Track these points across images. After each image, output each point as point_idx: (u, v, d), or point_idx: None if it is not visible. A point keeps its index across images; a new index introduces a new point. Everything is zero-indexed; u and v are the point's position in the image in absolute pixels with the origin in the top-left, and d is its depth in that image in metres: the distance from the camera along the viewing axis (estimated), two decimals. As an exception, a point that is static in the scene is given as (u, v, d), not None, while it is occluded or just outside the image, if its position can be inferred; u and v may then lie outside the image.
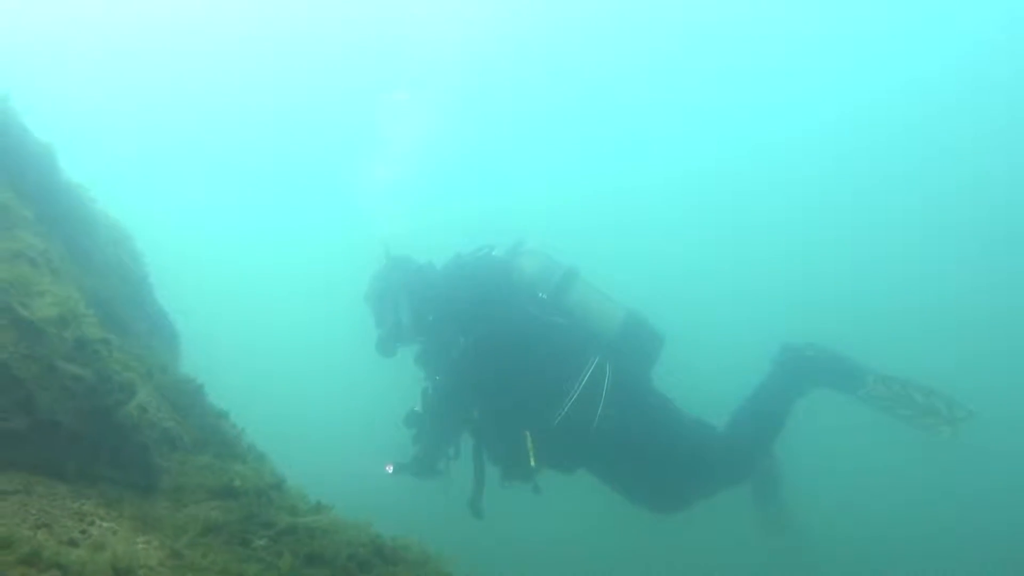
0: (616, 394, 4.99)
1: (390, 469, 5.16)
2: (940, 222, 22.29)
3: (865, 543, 11.29)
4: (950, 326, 19.50)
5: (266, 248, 26.80)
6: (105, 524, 2.09)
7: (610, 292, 5.48)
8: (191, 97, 25.96)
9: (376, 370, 5.79)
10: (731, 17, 23.26)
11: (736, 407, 5.44)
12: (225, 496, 2.49)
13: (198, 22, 24.30)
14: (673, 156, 26.23)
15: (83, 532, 2.01)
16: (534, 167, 26.21)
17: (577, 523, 10.74)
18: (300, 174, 26.21)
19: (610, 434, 4.95)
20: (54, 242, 3.29)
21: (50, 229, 3.46)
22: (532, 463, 4.83)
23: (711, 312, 19.71)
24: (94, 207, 4.10)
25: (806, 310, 18.03)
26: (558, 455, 5.05)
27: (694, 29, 23.85)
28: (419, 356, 5.42)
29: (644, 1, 23.56)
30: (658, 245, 23.15)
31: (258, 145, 26.65)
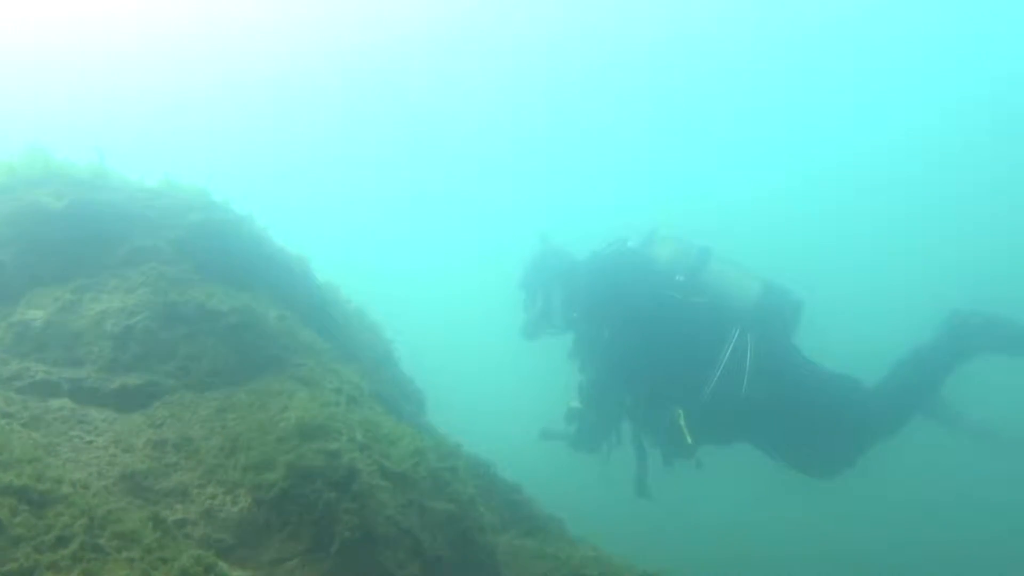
0: (760, 362, 5.11)
1: (574, 404, 5.48)
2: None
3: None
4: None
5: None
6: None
7: (746, 266, 5.57)
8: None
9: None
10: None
11: (895, 362, 5.47)
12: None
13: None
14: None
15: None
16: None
17: (745, 496, 10.95)
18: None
19: (760, 403, 5.06)
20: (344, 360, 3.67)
21: (328, 339, 3.86)
22: (688, 440, 5.00)
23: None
24: (346, 304, 4.50)
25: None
26: (713, 429, 5.18)
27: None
28: (572, 350, 5.69)
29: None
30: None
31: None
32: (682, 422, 5.02)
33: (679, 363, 5.16)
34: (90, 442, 2.62)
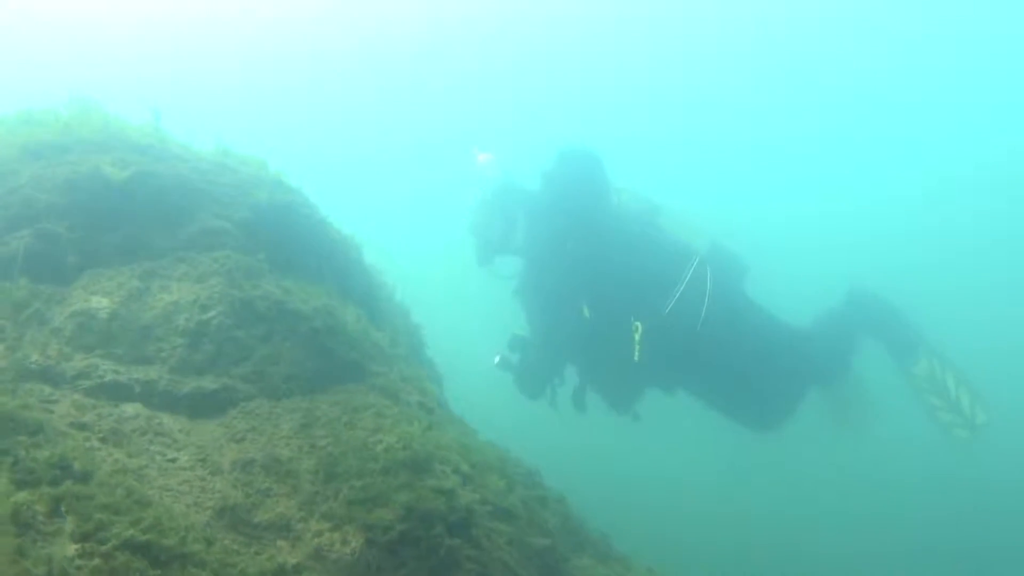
0: (717, 292, 5.20)
1: (496, 360, 5.48)
2: None
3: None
4: None
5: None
6: None
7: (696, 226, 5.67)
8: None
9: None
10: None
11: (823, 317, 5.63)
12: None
13: None
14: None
15: None
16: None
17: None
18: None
19: (715, 332, 5.12)
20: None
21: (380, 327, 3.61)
22: (637, 356, 4.94)
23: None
24: (384, 282, 4.23)
25: None
26: (666, 355, 5.13)
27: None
28: (520, 285, 5.59)
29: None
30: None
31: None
32: (638, 335, 4.97)
33: (640, 278, 5.15)
34: (173, 460, 2.36)
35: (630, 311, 5.07)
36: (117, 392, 2.51)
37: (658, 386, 5.45)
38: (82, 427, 2.28)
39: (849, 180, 24.96)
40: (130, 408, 2.48)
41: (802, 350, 5.39)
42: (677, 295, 5.12)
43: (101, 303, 2.66)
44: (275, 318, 2.87)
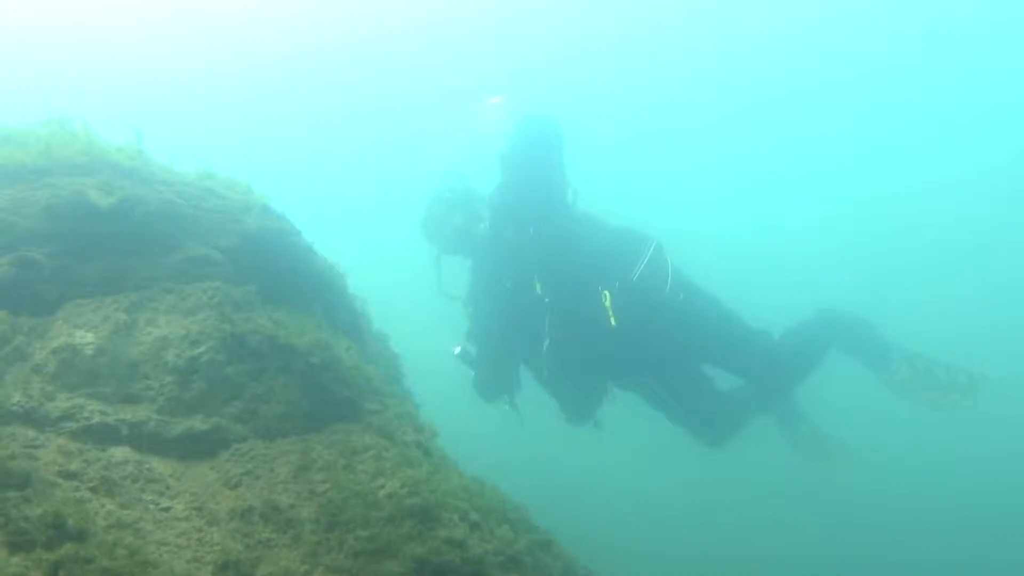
0: (678, 271, 5.34)
1: (456, 351, 5.46)
2: None
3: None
4: None
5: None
6: None
7: None
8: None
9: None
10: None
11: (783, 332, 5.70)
12: None
13: None
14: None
15: None
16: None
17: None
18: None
19: (677, 311, 5.20)
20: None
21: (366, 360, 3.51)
22: (613, 322, 4.97)
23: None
24: (365, 311, 4.11)
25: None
26: (632, 325, 5.14)
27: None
28: (469, 296, 5.54)
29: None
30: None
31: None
32: (608, 303, 4.99)
33: (604, 255, 5.17)
34: (167, 509, 2.23)
35: (592, 287, 5.06)
36: (104, 435, 2.37)
37: (617, 378, 5.44)
38: (71, 476, 2.14)
39: (832, 183, 25.16)
40: (119, 452, 2.34)
41: (761, 350, 5.44)
42: (642, 265, 5.16)
43: (86, 338, 2.51)
44: (267, 354, 2.75)
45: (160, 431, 2.47)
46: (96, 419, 2.38)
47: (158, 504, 2.23)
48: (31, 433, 2.25)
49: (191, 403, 2.57)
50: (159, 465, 2.39)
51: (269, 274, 3.07)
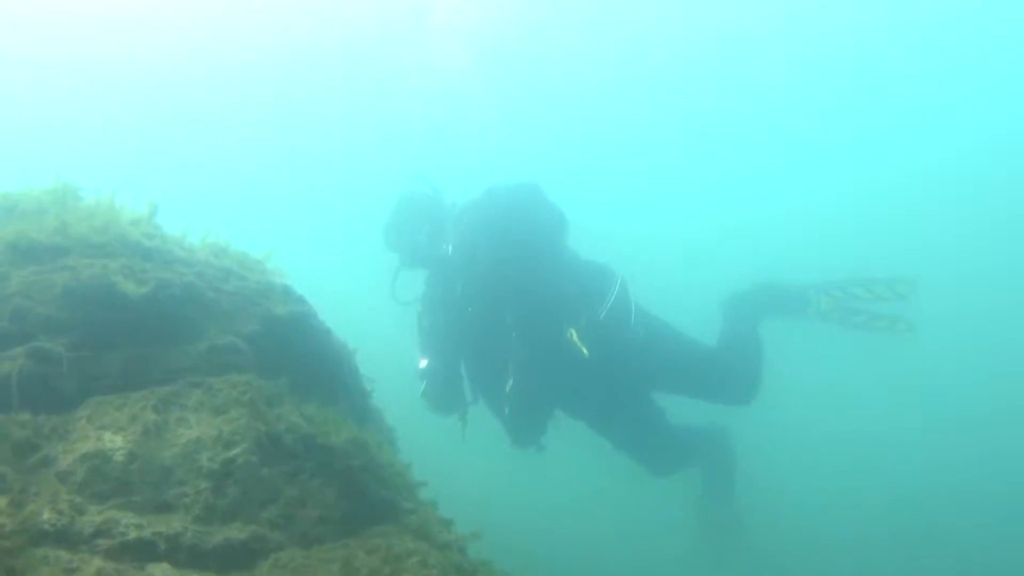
0: (641, 307, 5.53)
1: (423, 364, 5.46)
2: None
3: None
4: None
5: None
6: None
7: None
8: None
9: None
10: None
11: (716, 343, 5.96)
12: None
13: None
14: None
15: None
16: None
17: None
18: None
19: (641, 343, 5.36)
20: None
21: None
22: (585, 352, 5.00)
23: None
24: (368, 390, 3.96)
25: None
26: (596, 360, 5.17)
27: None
28: (426, 293, 5.61)
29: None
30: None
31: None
32: (576, 337, 5.02)
33: (570, 292, 5.24)
34: (216, 637, 2.05)
35: (559, 323, 5.10)
36: (141, 551, 2.17)
37: (572, 410, 5.56)
38: (115, 606, 1.95)
39: (814, 173, 25.63)
40: (157, 571, 2.14)
41: (712, 367, 5.65)
42: (611, 300, 5.30)
43: (115, 442, 2.32)
44: (303, 454, 2.60)
45: (197, 543, 2.28)
46: (132, 534, 2.18)
47: (206, 632, 2.05)
48: (65, 555, 2.04)
49: (227, 509, 2.39)
50: (198, 582, 2.21)
51: (294, 362, 2.92)
